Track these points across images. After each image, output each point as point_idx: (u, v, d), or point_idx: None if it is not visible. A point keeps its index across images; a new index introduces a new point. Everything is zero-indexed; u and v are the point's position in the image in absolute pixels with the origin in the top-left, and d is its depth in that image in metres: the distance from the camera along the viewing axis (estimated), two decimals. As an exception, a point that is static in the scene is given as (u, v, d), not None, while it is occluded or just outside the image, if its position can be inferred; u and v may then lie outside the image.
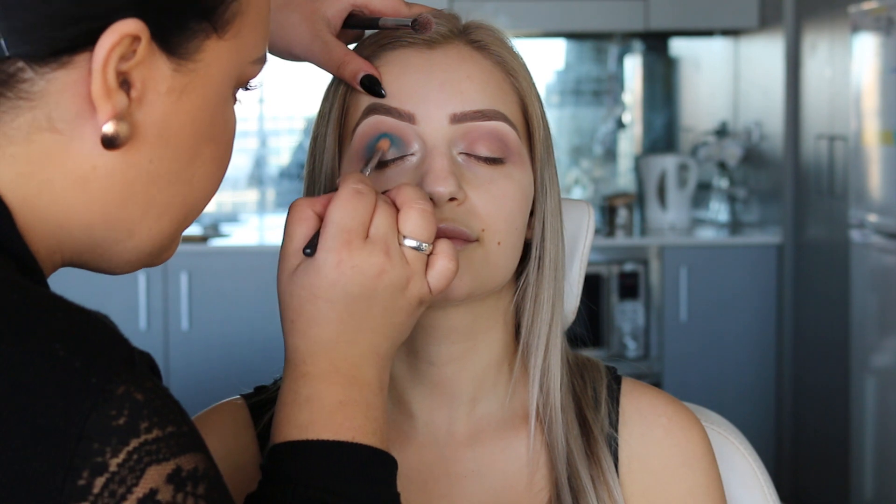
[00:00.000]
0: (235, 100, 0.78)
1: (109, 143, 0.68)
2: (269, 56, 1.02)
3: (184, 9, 0.70)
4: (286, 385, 0.80)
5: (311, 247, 0.79)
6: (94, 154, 0.69)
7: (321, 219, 0.81)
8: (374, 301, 0.79)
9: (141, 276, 3.88)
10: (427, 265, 0.82)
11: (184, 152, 0.72)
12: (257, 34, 0.76)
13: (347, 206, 0.79)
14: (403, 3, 0.97)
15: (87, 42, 0.67)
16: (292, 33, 0.96)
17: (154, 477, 0.62)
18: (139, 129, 0.69)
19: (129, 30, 0.67)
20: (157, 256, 0.77)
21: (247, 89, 0.79)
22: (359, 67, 0.93)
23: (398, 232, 0.81)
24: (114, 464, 0.62)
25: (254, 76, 0.77)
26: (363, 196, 0.80)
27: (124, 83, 0.68)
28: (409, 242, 0.81)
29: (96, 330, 0.66)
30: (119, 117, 0.68)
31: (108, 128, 0.68)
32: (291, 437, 0.77)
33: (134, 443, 0.62)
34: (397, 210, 0.81)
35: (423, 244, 0.81)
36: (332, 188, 0.96)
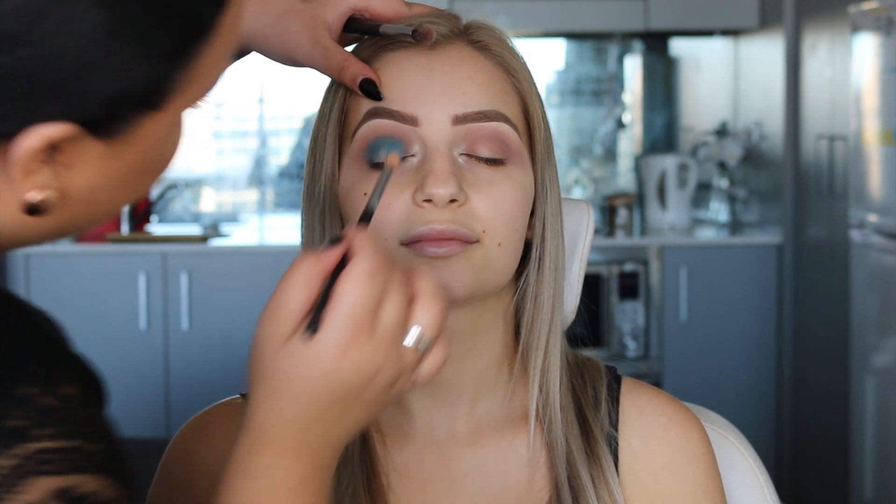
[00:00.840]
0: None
1: (33, 211, 0.64)
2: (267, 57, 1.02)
3: (123, 107, 0.64)
4: (244, 449, 0.74)
5: (314, 324, 0.71)
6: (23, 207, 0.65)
7: (323, 279, 0.73)
8: (364, 394, 0.74)
9: (141, 276, 3.88)
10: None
11: (116, 193, 0.69)
12: (210, 80, 0.70)
13: (363, 288, 0.71)
14: (404, 4, 0.97)
15: (9, 134, 0.62)
16: (294, 41, 0.96)
17: (41, 488, 0.59)
18: (68, 189, 0.65)
19: (55, 135, 0.62)
20: None
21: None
22: (358, 71, 0.93)
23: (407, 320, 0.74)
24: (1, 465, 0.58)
25: (204, 98, 0.72)
26: (377, 277, 0.72)
27: (52, 147, 0.63)
28: (413, 335, 0.75)
29: (15, 329, 0.62)
30: (43, 187, 0.63)
31: (31, 196, 0.63)
32: None
33: (27, 448, 0.59)
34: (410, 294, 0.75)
35: (424, 342, 0.75)
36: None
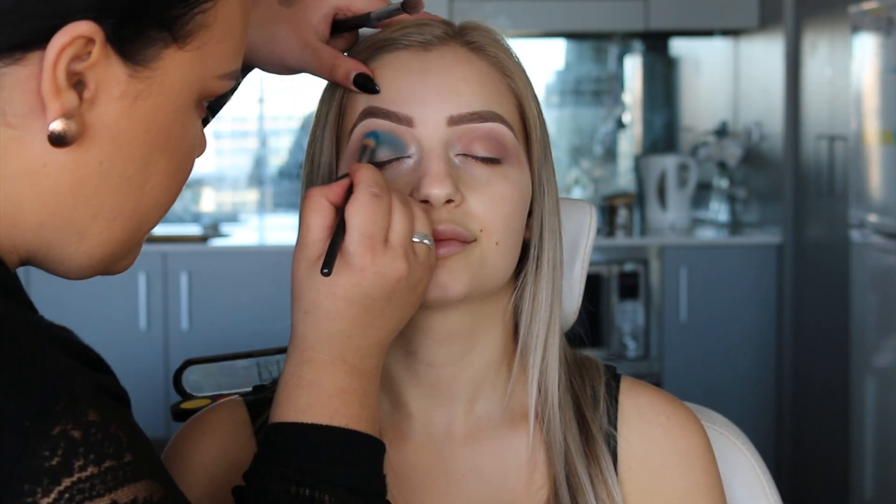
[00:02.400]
0: (202, 113, 0.78)
1: (57, 140, 0.68)
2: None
3: (143, 16, 0.70)
4: (290, 368, 0.82)
5: (328, 265, 0.80)
6: (45, 151, 0.69)
7: (335, 207, 0.83)
8: (391, 302, 0.82)
9: (141, 276, 3.88)
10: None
11: (136, 157, 0.73)
12: (225, 49, 0.76)
13: (367, 211, 0.81)
14: (382, 1, 0.98)
15: (41, 40, 0.67)
16: (283, 46, 0.97)
17: None
18: (90, 129, 0.70)
19: (83, 31, 0.67)
20: (111, 264, 0.77)
21: (216, 107, 0.78)
22: (350, 67, 0.94)
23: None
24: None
25: (220, 92, 0.77)
26: (380, 200, 0.82)
27: (78, 84, 0.69)
28: (416, 238, 0.84)
29: (36, 367, 0.65)
30: (68, 116, 0.68)
31: (56, 125, 0.68)
32: (288, 418, 0.80)
33: (66, 482, 0.63)
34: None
35: (427, 239, 0.85)
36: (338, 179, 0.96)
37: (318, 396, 0.80)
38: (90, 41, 0.68)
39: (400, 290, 0.82)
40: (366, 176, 0.83)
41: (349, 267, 0.80)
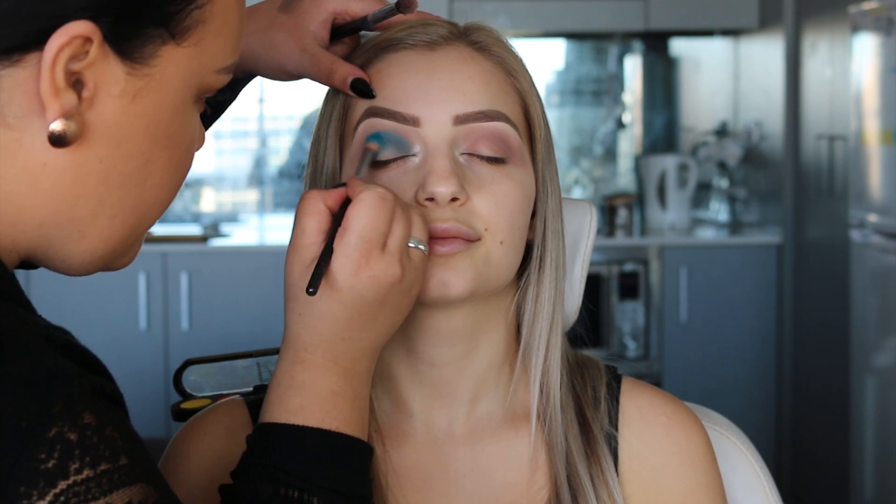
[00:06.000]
0: (201, 107, 0.78)
1: (57, 140, 0.69)
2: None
3: (140, 14, 0.70)
4: (282, 368, 0.83)
5: (314, 285, 0.80)
6: (44, 151, 0.69)
7: (331, 213, 0.83)
8: (384, 305, 0.83)
9: (141, 276, 3.88)
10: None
11: (135, 155, 0.73)
12: (222, 43, 0.76)
13: (370, 214, 0.81)
14: (380, 3, 0.98)
15: (38, 41, 0.68)
16: (282, 52, 0.98)
17: None
18: (89, 128, 0.70)
19: (80, 31, 0.67)
20: (112, 261, 0.78)
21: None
22: (347, 72, 0.94)
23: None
24: None
25: (218, 86, 0.78)
26: (386, 204, 0.82)
27: (77, 83, 0.69)
28: (412, 243, 0.84)
29: (34, 368, 0.65)
30: (67, 116, 0.68)
31: (56, 125, 0.68)
32: (280, 419, 0.81)
33: (62, 485, 0.63)
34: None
35: (422, 245, 0.85)
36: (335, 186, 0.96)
37: (310, 398, 0.81)
38: (88, 41, 0.68)
39: (393, 294, 0.83)
40: (368, 185, 0.83)
41: (343, 269, 0.81)
